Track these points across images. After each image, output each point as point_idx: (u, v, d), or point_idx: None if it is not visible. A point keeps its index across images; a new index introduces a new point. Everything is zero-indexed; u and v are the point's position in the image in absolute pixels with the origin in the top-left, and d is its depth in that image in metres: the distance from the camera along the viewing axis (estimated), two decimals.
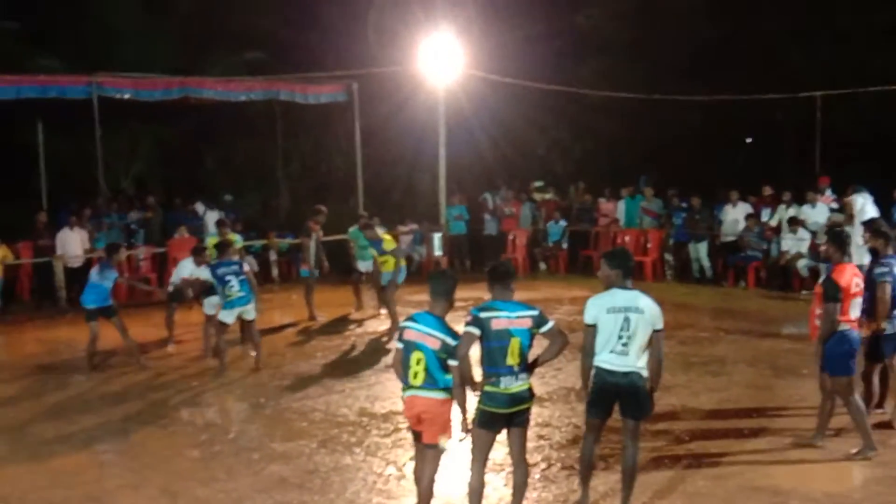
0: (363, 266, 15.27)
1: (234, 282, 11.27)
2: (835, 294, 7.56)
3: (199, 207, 20.04)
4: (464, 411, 6.09)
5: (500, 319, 6.01)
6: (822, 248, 8.35)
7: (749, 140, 26.06)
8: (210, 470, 7.87)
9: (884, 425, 8.36)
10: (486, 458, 6.22)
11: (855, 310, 7.74)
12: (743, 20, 22.00)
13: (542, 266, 20.51)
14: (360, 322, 14.71)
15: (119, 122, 18.87)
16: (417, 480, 6.41)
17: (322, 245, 15.49)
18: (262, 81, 19.54)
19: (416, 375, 6.09)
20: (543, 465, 7.71)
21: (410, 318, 6.26)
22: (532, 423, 8.77)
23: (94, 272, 11.86)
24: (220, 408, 10.17)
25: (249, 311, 11.50)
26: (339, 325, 14.57)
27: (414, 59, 19.78)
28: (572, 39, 23.06)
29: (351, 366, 11.77)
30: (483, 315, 6.03)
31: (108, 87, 17.37)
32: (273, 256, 19.23)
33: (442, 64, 19.66)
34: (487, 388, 6.04)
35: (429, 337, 6.06)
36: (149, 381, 11.17)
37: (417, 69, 19.88)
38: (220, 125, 22.08)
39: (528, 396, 6.14)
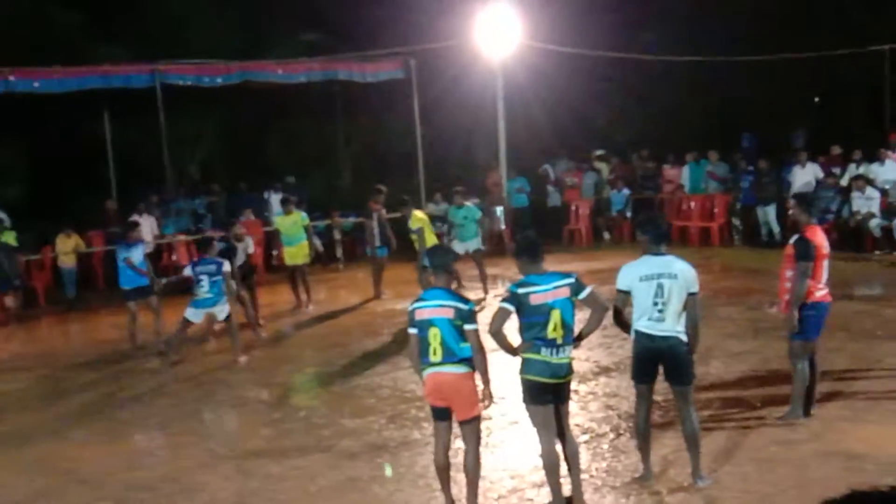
0: (461, 247, 14.39)
1: (205, 282, 11.15)
2: (809, 252, 7.34)
3: (268, 194, 20.17)
4: (485, 378, 6.02)
5: (538, 294, 5.94)
6: (790, 211, 8.06)
7: (817, 100, 25.47)
8: (282, 448, 8.01)
9: None
10: (551, 431, 6.11)
11: (825, 271, 7.50)
12: None
13: (606, 235, 20.35)
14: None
15: (183, 109, 19.11)
16: (439, 464, 6.27)
17: (387, 222, 15.49)
18: (321, 62, 19.64)
19: (434, 352, 6.00)
20: (612, 435, 7.68)
21: (417, 300, 6.21)
22: (600, 392, 8.87)
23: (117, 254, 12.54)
24: (291, 387, 10.32)
25: (218, 312, 11.34)
26: (404, 302, 14.60)
27: (471, 32, 19.66)
28: (632, 7, 22.68)
29: None
30: (521, 291, 5.97)
31: (171, 74, 17.65)
32: (337, 236, 19.40)
33: (499, 36, 19.53)
34: (527, 355, 5.99)
35: (441, 308, 5.99)
36: (220, 364, 11.38)
37: (475, 42, 19.77)
38: (282, 107, 22.23)
39: (569, 371, 6.09)
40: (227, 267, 11.43)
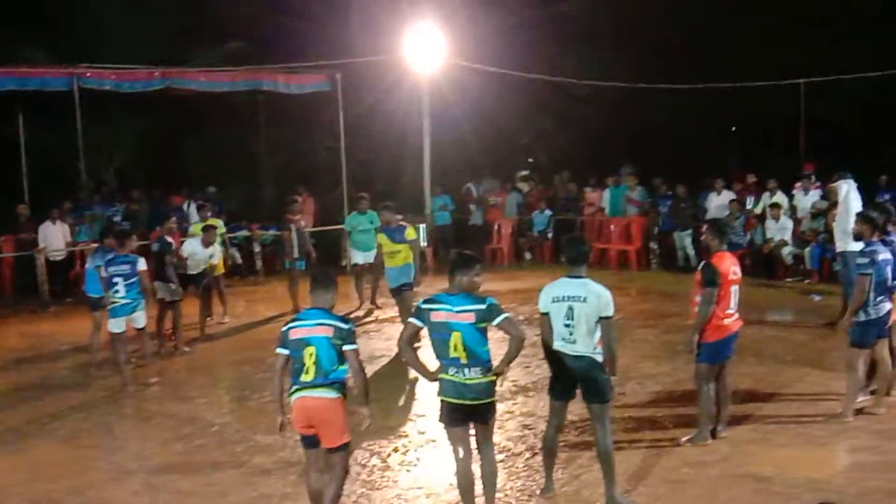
0: (362, 258, 14.75)
1: (120, 286, 9.96)
2: (713, 278, 7.49)
3: (187, 204, 19.81)
4: (366, 399, 5.95)
5: (440, 312, 5.91)
6: (702, 237, 8.31)
7: (734, 129, 26.09)
8: (194, 463, 7.85)
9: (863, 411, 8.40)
10: (465, 451, 6.07)
11: (733, 297, 7.63)
12: (728, 10, 21.98)
13: (528, 256, 20.50)
14: (348, 315, 14.61)
15: (101, 114, 18.74)
16: (312, 496, 6.12)
17: (307, 235, 15.34)
18: (245, 72, 19.45)
19: (307, 371, 5.85)
20: (528, 455, 7.68)
21: (294, 319, 6.12)
22: (517, 412, 8.88)
23: (88, 259, 11.82)
24: (204, 401, 10.08)
25: (137, 319, 10.22)
26: None
27: (398, 48, 19.66)
28: (557, 28, 22.97)
29: None
30: (424, 306, 6.00)
31: (90, 78, 17.28)
32: (257, 248, 19.17)
33: (426, 53, 19.56)
34: (441, 376, 5.99)
35: (319, 327, 5.88)
36: (132, 375, 11.08)
37: (402, 58, 19.78)
38: (203, 116, 21.95)
39: (478, 394, 5.91)
40: (142, 265, 10.09)
